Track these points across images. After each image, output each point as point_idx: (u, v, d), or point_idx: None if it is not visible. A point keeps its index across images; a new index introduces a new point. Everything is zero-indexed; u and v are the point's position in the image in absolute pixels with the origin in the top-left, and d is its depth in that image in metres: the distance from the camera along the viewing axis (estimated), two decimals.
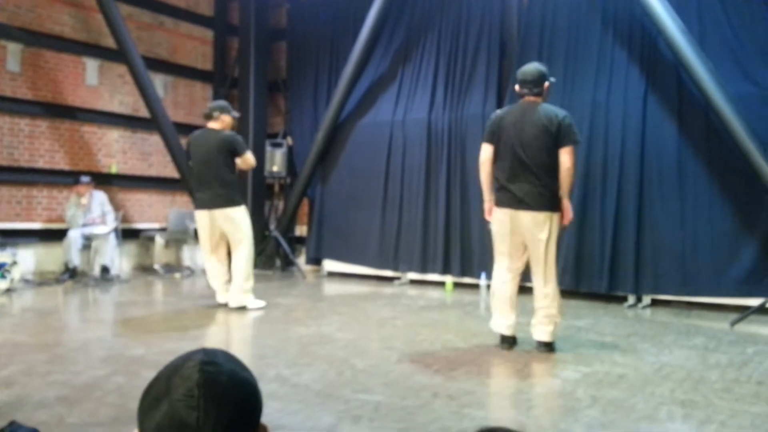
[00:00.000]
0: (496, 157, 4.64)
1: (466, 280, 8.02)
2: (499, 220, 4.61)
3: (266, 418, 1.03)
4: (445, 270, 8.15)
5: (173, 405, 0.93)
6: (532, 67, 4.69)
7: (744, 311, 5.89)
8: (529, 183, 4.48)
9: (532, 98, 4.61)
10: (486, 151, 4.68)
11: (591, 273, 7.08)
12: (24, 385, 3.53)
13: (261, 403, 1.02)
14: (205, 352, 1.01)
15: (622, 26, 7.05)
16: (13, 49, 8.28)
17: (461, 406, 3.31)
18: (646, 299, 6.87)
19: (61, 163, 8.83)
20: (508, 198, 4.55)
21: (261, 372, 3.84)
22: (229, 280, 6.21)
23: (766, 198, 6.08)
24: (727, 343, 4.98)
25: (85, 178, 8.27)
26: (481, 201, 4.73)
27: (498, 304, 4.65)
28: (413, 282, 8.36)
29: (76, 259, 8.00)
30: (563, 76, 7.36)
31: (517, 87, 4.71)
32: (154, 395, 0.96)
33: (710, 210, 6.49)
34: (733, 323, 5.72)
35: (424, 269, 8.19)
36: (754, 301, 5.92)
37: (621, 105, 6.96)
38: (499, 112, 4.79)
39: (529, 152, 4.47)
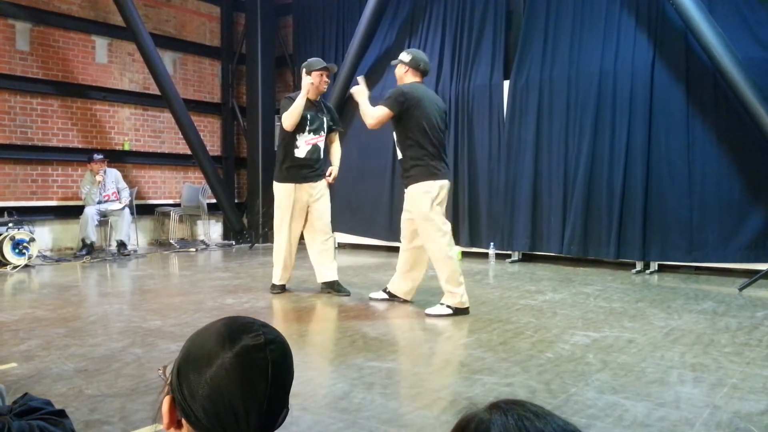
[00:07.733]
0: (409, 130, 4.81)
1: (475, 249, 8.09)
2: (443, 185, 4.91)
3: None
4: (454, 240, 8.18)
5: (241, 358, 0.90)
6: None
7: (752, 275, 5.85)
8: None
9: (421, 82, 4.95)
10: (385, 116, 4.85)
11: (599, 240, 7.09)
12: (43, 359, 3.54)
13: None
14: (244, 318, 0.99)
15: None
16: (22, 28, 8.26)
17: (472, 372, 3.30)
18: (654, 265, 6.87)
19: (75, 141, 8.87)
20: (445, 170, 4.92)
21: None
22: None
23: None
24: (736, 308, 4.96)
25: (98, 156, 8.35)
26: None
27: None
28: None
29: (93, 235, 8.10)
30: (570, 45, 7.31)
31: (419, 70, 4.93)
32: (207, 352, 0.92)
33: (718, 176, 6.43)
34: (742, 288, 5.71)
35: None
36: (762, 266, 5.89)
37: (629, 73, 6.88)
38: (405, 88, 4.86)
39: (440, 132, 4.90)
